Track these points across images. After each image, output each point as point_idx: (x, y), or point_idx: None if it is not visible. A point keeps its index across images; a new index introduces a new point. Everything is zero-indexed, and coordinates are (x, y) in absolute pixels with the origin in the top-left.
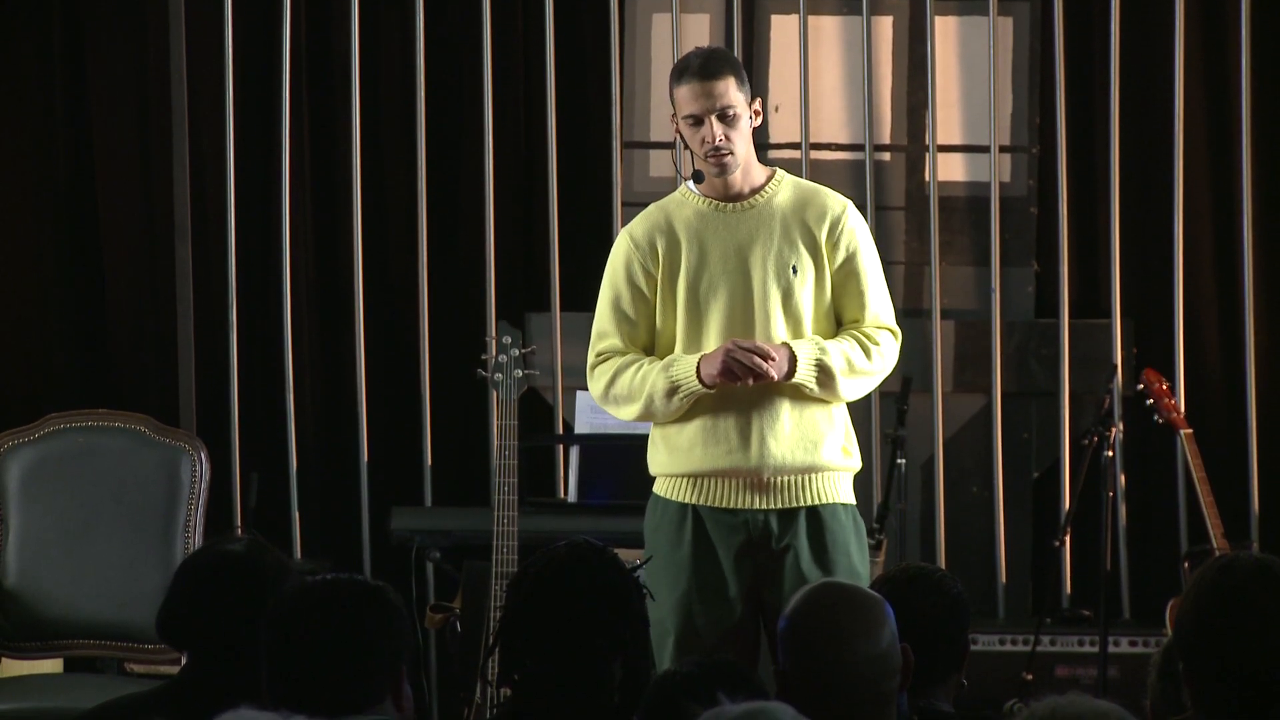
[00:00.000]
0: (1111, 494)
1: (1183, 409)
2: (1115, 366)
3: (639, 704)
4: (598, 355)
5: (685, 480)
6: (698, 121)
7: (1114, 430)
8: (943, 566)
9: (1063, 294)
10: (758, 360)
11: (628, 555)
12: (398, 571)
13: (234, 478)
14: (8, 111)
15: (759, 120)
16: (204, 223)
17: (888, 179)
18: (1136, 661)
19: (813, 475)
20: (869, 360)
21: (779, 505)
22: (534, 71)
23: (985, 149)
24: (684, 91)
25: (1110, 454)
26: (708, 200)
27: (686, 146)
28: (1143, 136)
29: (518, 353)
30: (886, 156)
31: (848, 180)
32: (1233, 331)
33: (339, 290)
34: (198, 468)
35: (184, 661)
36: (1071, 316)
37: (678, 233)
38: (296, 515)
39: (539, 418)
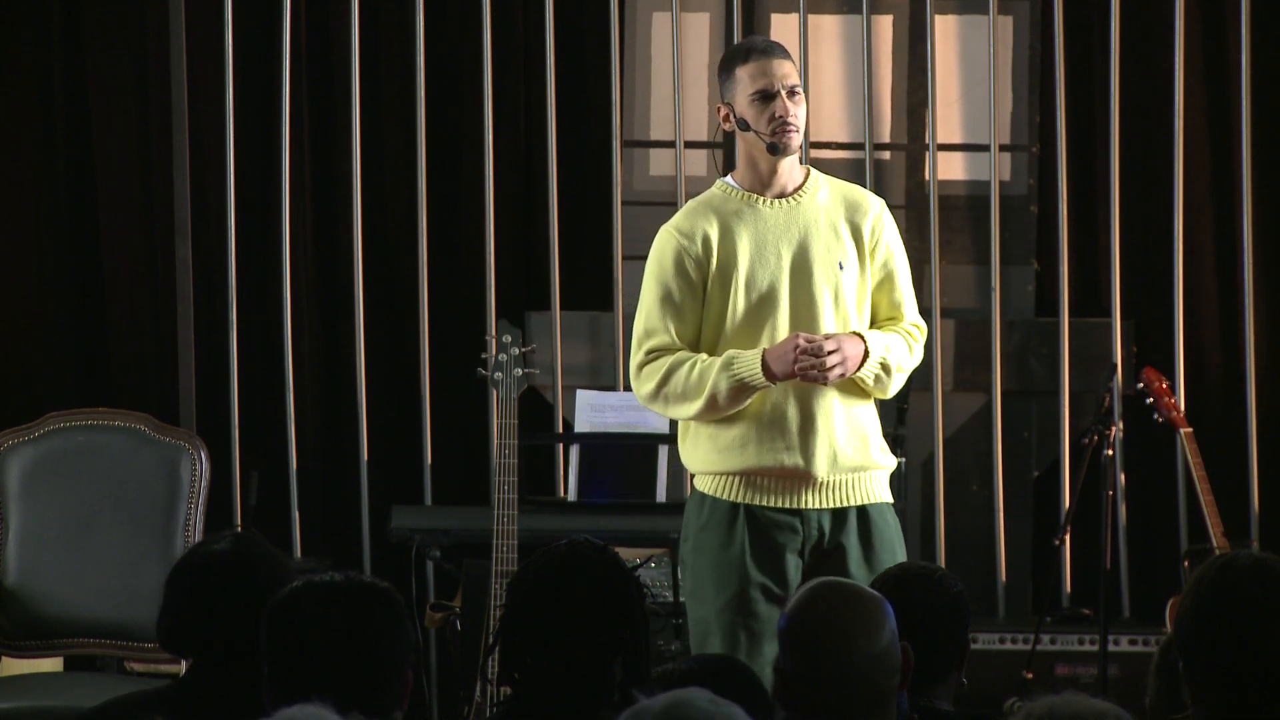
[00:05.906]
0: (1111, 493)
1: (1183, 408)
2: (1115, 365)
3: None
4: (646, 354)
5: (736, 479)
6: (766, 97)
7: (1114, 429)
8: (943, 565)
9: (1063, 293)
10: (828, 359)
11: (628, 554)
12: (397, 570)
13: (234, 476)
14: (8, 111)
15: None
16: (204, 223)
17: (888, 178)
18: (1136, 660)
19: (863, 474)
20: (910, 357)
21: (832, 504)
22: (534, 71)
23: (985, 148)
24: (752, 68)
25: (1110, 453)
26: (751, 195)
27: (747, 128)
28: (1143, 135)
29: (518, 352)
30: (886, 155)
31: (848, 179)
32: (1233, 330)
33: (339, 290)
34: (198, 466)
35: (187, 663)
36: (1071, 315)
37: (728, 225)
38: (296, 514)
39: (539, 417)
